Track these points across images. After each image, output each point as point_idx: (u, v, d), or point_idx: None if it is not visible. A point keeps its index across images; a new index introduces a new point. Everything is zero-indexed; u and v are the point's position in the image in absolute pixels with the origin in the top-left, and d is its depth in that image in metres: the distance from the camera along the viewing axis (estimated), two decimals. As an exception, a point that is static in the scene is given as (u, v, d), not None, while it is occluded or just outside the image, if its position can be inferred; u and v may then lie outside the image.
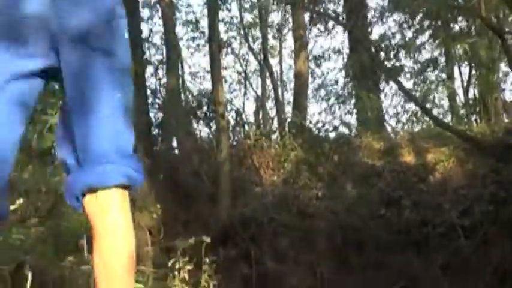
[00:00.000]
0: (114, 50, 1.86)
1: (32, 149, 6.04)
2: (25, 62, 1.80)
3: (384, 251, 8.59)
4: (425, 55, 16.45)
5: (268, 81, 17.87)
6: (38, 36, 1.80)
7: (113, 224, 1.91)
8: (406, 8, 13.66)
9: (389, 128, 15.53)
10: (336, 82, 19.26)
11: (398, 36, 15.53)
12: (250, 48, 18.37)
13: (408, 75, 16.60)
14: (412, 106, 16.69)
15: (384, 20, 15.77)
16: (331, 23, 16.51)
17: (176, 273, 6.06)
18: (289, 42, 18.90)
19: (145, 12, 15.79)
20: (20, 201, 5.09)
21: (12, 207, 4.77)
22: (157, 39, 16.28)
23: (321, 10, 15.57)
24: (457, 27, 14.12)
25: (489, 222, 8.35)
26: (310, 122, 13.77)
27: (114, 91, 1.84)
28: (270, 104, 18.77)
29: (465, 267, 7.86)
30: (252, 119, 16.56)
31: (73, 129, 1.87)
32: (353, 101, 16.66)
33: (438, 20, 13.05)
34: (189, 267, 6.01)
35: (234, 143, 11.80)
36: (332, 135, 12.54)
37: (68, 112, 1.87)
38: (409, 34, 15.27)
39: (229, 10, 17.59)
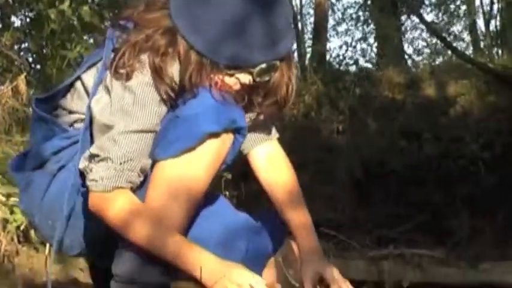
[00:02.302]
0: None
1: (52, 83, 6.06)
2: None
3: (404, 184, 8.60)
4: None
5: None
6: None
7: None
8: None
9: (409, 62, 15.42)
10: (358, 18, 19.05)
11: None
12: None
13: (428, 9, 16.40)
14: (432, 40, 16.54)
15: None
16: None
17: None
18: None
19: None
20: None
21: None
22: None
23: None
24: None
25: (510, 155, 8.32)
26: (331, 56, 13.67)
27: None
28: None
29: (486, 201, 7.86)
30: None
31: None
32: (373, 35, 16.52)
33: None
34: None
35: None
36: (352, 68, 12.46)
37: None
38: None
39: None
